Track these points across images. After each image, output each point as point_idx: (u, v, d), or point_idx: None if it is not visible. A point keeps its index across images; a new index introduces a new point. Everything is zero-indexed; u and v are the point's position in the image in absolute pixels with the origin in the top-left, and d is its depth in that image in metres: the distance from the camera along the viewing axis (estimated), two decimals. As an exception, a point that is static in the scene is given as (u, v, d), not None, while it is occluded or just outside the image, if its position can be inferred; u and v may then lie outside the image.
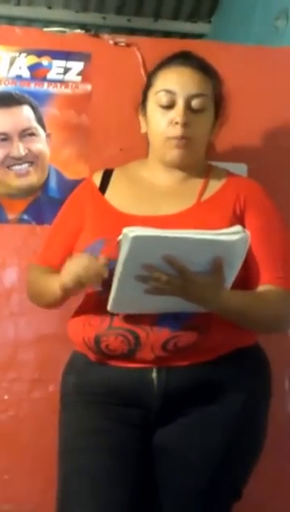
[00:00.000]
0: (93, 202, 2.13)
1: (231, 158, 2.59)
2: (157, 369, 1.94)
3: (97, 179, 2.19)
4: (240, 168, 2.56)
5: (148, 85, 2.14)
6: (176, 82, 2.06)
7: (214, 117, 2.13)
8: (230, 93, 2.17)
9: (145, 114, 2.14)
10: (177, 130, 2.03)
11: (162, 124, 2.06)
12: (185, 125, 2.03)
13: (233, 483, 2.02)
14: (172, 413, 1.97)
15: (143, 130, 2.16)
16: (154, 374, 1.94)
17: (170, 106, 2.05)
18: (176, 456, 1.98)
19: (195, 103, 2.05)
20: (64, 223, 2.20)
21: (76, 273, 1.88)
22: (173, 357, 1.93)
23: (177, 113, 2.04)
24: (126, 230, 1.73)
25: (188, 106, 2.04)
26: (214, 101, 2.11)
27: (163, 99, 2.05)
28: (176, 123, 2.03)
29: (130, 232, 1.72)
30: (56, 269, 2.04)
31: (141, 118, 2.17)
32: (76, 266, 1.89)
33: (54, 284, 1.98)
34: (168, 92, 2.05)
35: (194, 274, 1.78)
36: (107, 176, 2.18)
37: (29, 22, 3.83)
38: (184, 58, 2.11)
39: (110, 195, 2.13)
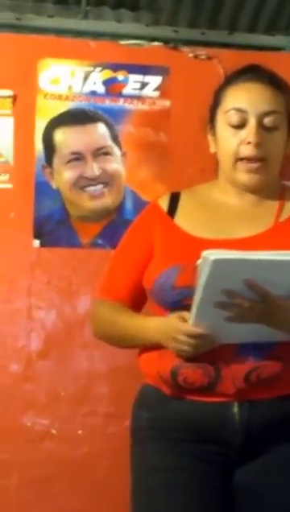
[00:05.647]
0: (162, 228, 2.06)
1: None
2: (238, 403, 1.86)
3: (163, 203, 2.11)
4: None
5: (216, 103, 2.08)
6: (246, 100, 2.00)
7: (288, 134, 2.06)
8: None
9: (214, 133, 2.08)
10: (250, 150, 1.97)
11: (233, 144, 1.99)
12: (258, 144, 1.96)
13: None
14: (254, 450, 1.89)
15: (213, 150, 2.10)
16: (235, 409, 1.86)
17: (241, 125, 1.99)
18: (253, 496, 1.90)
19: (267, 121, 1.98)
20: (129, 251, 2.12)
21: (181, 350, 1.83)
22: (255, 389, 1.84)
23: (249, 132, 1.97)
24: (205, 253, 1.65)
25: (260, 125, 1.98)
26: (288, 117, 2.04)
27: (234, 118, 1.99)
28: (249, 143, 1.97)
29: (211, 255, 1.64)
30: (125, 302, 2.03)
31: (209, 138, 2.11)
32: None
33: (142, 335, 1.95)
34: (239, 110, 1.99)
35: (278, 298, 1.71)
36: (174, 200, 2.10)
37: (97, 36, 3.79)
38: (252, 73, 2.04)
39: (180, 219, 2.05)
